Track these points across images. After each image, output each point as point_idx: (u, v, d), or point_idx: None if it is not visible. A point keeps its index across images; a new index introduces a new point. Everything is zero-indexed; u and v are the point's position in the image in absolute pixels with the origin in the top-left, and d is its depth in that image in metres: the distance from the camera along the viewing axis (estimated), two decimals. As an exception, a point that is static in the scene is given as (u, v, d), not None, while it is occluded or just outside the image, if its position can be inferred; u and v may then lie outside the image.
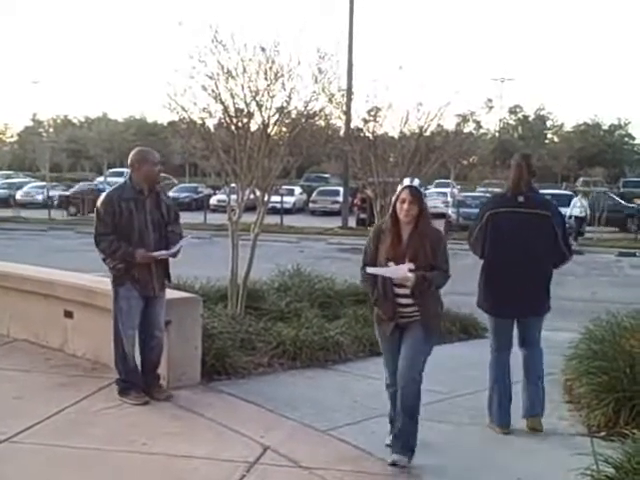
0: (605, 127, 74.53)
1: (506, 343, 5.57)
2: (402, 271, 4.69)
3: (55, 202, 35.53)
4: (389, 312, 4.86)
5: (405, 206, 4.71)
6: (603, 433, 5.39)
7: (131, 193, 5.75)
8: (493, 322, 5.62)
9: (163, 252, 5.78)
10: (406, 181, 4.84)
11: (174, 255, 5.88)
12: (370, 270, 4.83)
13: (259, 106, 8.11)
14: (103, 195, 5.90)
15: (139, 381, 5.87)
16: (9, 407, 5.68)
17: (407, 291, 4.77)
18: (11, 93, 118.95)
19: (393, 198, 4.81)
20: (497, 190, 35.95)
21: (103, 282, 6.42)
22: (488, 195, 33.87)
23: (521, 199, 5.42)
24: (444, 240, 4.93)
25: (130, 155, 5.87)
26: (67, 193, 37.55)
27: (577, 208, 25.65)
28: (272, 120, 8.26)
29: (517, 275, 5.39)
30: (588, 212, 26.27)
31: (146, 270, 5.74)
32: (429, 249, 4.74)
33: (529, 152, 5.96)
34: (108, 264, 5.78)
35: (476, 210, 26.17)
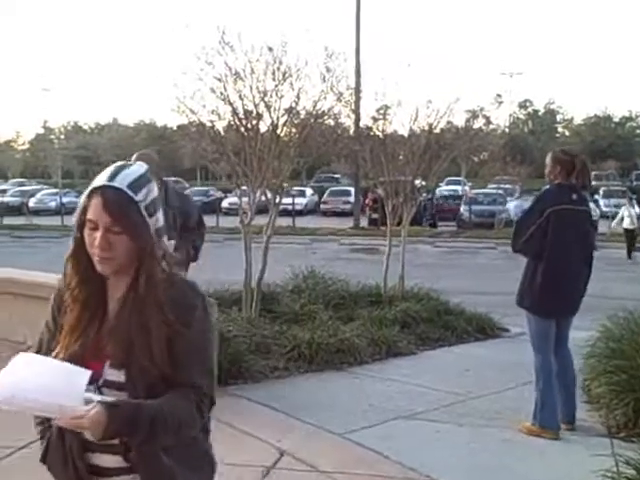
0: (616, 119, 74.22)
1: (553, 343, 5.48)
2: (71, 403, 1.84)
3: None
4: None
5: (97, 238, 1.96)
6: (623, 434, 5.30)
7: None
8: (543, 324, 5.41)
9: None
10: (101, 177, 2.00)
11: None
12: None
13: (268, 107, 8.07)
14: None
15: None
16: (23, 415, 5.63)
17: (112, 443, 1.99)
18: (22, 101, 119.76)
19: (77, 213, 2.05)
20: (509, 186, 35.91)
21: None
22: (500, 192, 33.97)
23: (575, 196, 5.36)
24: (207, 315, 2.07)
25: (132, 160, 5.82)
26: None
27: (627, 218, 22.08)
28: (281, 121, 8.23)
29: (577, 274, 5.40)
30: (636, 224, 22.05)
31: None
32: (160, 340, 1.97)
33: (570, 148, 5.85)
34: None
35: (489, 207, 26.07)
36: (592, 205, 24.22)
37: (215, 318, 6.46)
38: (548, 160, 5.49)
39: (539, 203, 5.44)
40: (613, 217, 26.18)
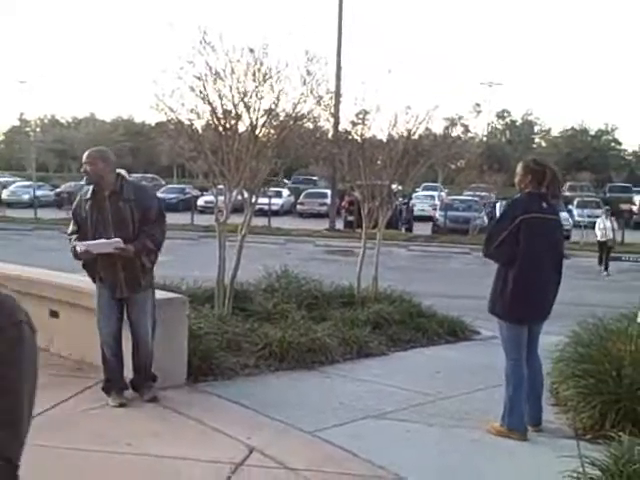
0: (592, 132, 75.06)
1: (524, 348, 5.55)
2: None
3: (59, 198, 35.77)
4: None
5: None
6: (589, 436, 5.40)
7: (90, 194, 5.77)
8: (515, 331, 5.49)
9: (99, 242, 5.59)
10: None
11: (127, 250, 5.65)
12: None
13: (247, 107, 8.10)
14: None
15: (118, 381, 5.85)
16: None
17: None
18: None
19: None
20: (485, 194, 36.24)
21: (89, 282, 6.38)
22: (476, 199, 34.24)
23: (545, 205, 5.45)
24: (16, 345, 1.57)
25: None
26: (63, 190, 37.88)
27: (599, 230, 20.77)
28: (260, 122, 8.25)
29: (547, 281, 5.48)
30: (610, 235, 20.68)
31: (111, 270, 5.70)
32: None
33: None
34: None
35: (464, 214, 26.31)
36: (565, 214, 24.27)
37: (186, 315, 6.50)
38: (519, 169, 5.57)
39: (510, 210, 5.52)
40: (586, 226, 26.48)
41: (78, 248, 5.63)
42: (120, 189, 5.77)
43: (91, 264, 5.77)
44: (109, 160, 5.83)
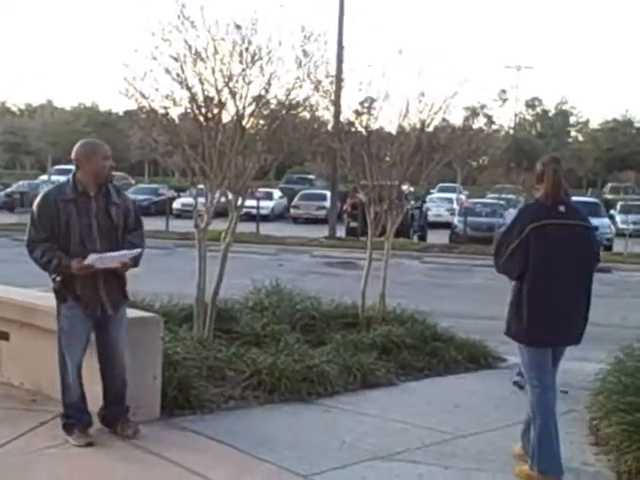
0: (638, 124, 75.24)
1: (552, 378, 5.57)
2: None
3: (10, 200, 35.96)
4: None
5: None
6: (635, 481, 5.43)
7: (72, 193, 5.69)
8: (537, 355, 5.52)
9: (108, 255, 5.66)
10: None
11: (127, 265, 5.78)
12: None
13: (233, 94, 8.12)
14: (40, 195, 5.86)
15: (84, 417, 5.83)
16: None
17: None
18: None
19: None
20: (512, 197, 36.43)
21: (45, 298, 6.39)
22: (502, 202, 34.29)
23: (562, 209, 5.48)
24: None
25: (74, 149, 5.80)
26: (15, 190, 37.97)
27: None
28: (248, 111, 8.28)
29: (566, 298, 5.44)
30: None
31: (90, 285, 5.67)
32: None
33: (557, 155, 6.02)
34: (50, 276, 5.76)
35: (487, 220, 26.44)
36: (606, 221, 24.25)
37: (161, 337, 6.51)
38: None
39: (518, 219, 5.58)
40: (631, 235, 26.54)
41: (87, 261, 5.56)
42: (107, 190, 5.81)
43: (71, 281, 5.66)
44: None
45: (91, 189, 5.73)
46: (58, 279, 5.68)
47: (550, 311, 5.41)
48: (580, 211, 5.71)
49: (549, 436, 5.44)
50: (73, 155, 5.82)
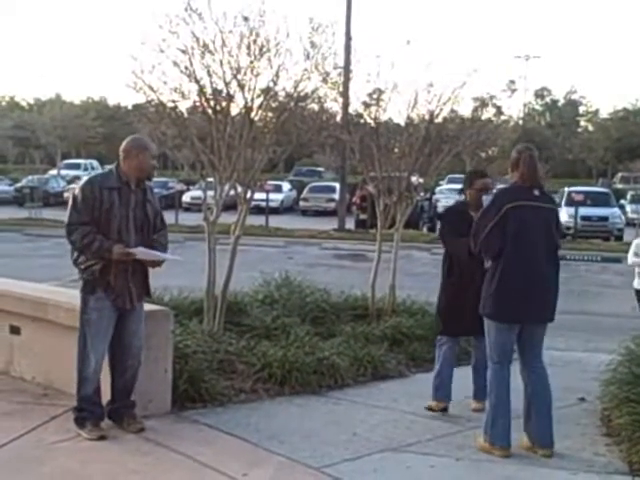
0: (648, 113, 74.87)
1: (510, 354, 5.86)
2: None
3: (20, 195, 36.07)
4: None
5: None
6: (646, 471, 5.41)
7: (117, 182, 5.76)
8: (500, 330, 5.78)
9: (151, 252, 5.76)
10: None
11: (157, 263, 5.87)
12: None
13: (241, 86, 8.11)
14: (84, 179, 5.97)
15: (97, 410, 5.85)
16: None
17: None
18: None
19: None
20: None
21: (56, 292, 6.42)
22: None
23: (537, 192, 5.80)
24: None
25: (126, 141, 5.90)
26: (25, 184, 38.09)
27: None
28: (256, 103, 8.27)
29: (538, 275, 5.71)
30: None
31: (123, 276, 5.73)
32: None
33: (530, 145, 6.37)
34: (80, 265, 5.76)
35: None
36: (616, 211, 24.07)
37: (171, 330, 6.52)
38: None
39: (495, 201, 5.87)
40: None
41: (133, 250, 5.65)
42: (144, 186, 5.90)
43: (107, 270, 5.71)
44: None
45: (132, 182, 5.80)
46: (95, 267, 5.69)
47: (521, 287, 5.65)
48: (550, 196, 6.15)
49: (502, 411, 5.71)
50: (123, 147, 5.88)
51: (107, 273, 5.71)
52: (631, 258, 10.61)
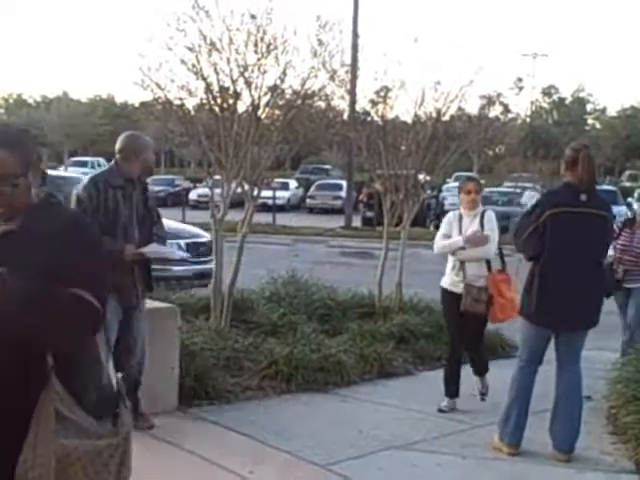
0: (657, 111, 74.70)
1: (540, 356, 5.75)
2: None
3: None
4: None
5: None
6: (653, 470, 5.41)
7: (120, 180, 5.73)
8: (533, 331, 5.68)
9: (162, 250, 5.76)
10: None
11: (168, 260, 5.87)
12: None
13: (248, 84, 8.12)
14: (86, 178, 5.89)
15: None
16: None
17: None
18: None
19: None
20: (528, 185, 36.24)
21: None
22: (518, 191, 34.15)
23: (584, 197, 5.52)
24: None
25: (122, 140, 5.85)
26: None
27: None
28: (263, 100, 8.27)
29: (577, 284, 5.52)
30: None
31: (128, 274, 5.69)
32: None
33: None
34: None
35: (504, 208, 26.23)
36: (623, 209, 23.78)
37: (178, 327, 6.53)
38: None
39: (538, 204, 5.72)
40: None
41: (145, 249, 5.61)
42: (144, 183, 5.88)
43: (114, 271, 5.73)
44: None
45: (135, 180, 5.80)
46: None
47: (556, 296, 5.52)
48: (602, 201, 5.78)
49: (518, 409, 5.65)
50: (120, 146, 5.83)
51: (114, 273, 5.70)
52: None
